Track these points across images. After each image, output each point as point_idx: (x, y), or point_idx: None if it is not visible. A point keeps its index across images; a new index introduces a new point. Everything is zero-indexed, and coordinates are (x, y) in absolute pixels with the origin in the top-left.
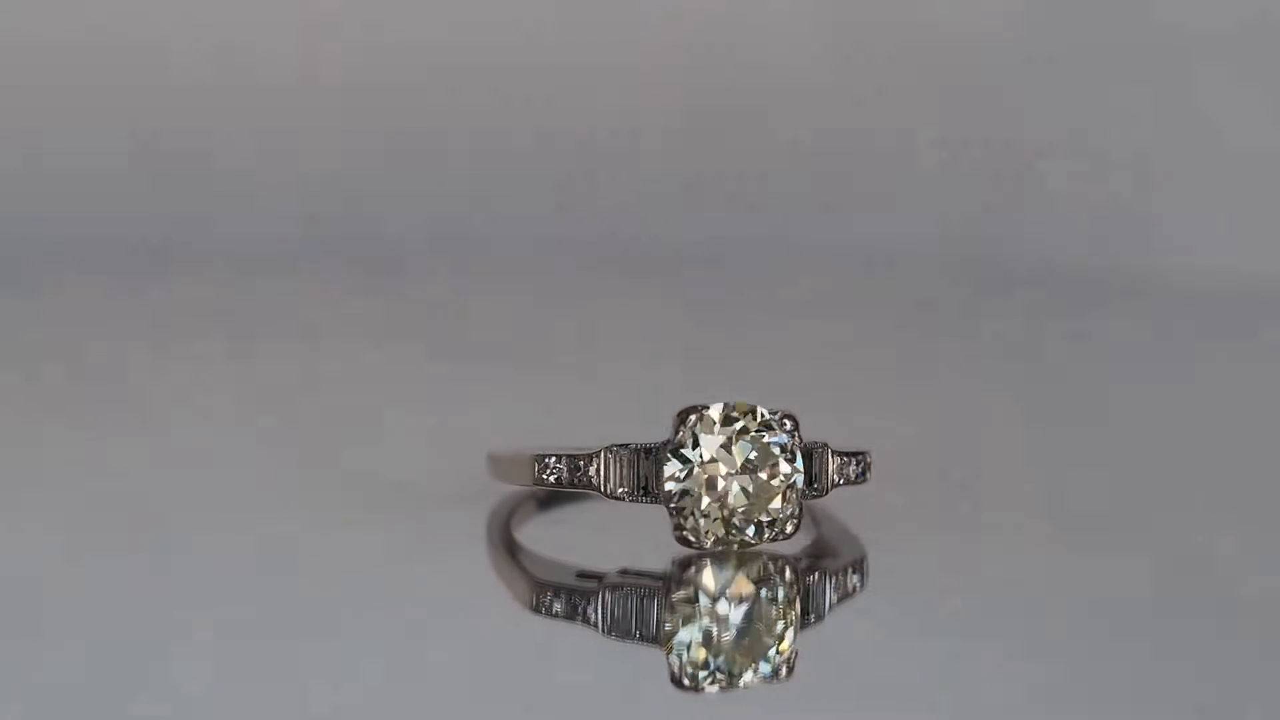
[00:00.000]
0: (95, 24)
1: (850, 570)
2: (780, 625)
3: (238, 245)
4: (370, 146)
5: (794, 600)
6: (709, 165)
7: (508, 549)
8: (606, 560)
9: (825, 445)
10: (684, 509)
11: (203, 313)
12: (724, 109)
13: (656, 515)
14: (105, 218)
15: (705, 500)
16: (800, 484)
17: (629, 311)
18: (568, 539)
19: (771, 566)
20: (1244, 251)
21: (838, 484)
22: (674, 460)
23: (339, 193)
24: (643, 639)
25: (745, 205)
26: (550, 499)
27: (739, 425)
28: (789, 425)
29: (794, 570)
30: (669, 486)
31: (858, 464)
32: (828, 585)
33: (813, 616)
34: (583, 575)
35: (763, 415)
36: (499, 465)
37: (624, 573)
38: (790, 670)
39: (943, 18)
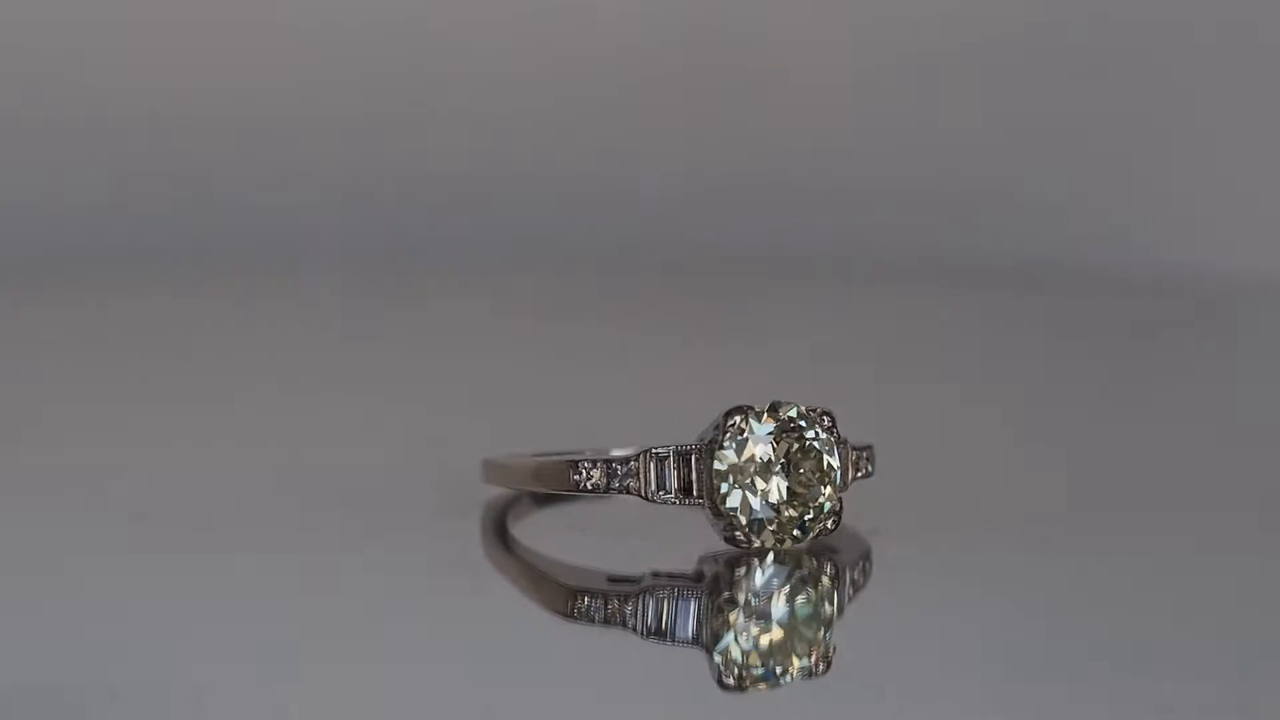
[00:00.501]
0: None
1: (862, 564)
2: (819, 621)
3: (230, 248)
4: (360, 141)
5: (830, 595)
6: (707, 165)
7: (513, 551)
8: (622, 560)
9: (845, 440)
10: (734, 509)
11: (193, 318)
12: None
13: (663, 514)
14: (97, 219)
15: (754, 499)
16: (839, 479)
17: (619, 313)
18: (572, 542)
19: (814, 563)
20: (1246, 251)
21: (855, 478)
22: (722, 460)
23: (335, 192)
24: (684, 641)
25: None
26: (547, 499)
27: (783, 423)
28: (827, 421)
29: (835, 565)
30: (720, 486)
31: (866, 458)
32: (845, 579)
33: (839, 611)
34: (615, 580)
35: (803, 412)
36: (512, 472)
37: (655, 575)
38: (828, 665)
39: (947, 16)
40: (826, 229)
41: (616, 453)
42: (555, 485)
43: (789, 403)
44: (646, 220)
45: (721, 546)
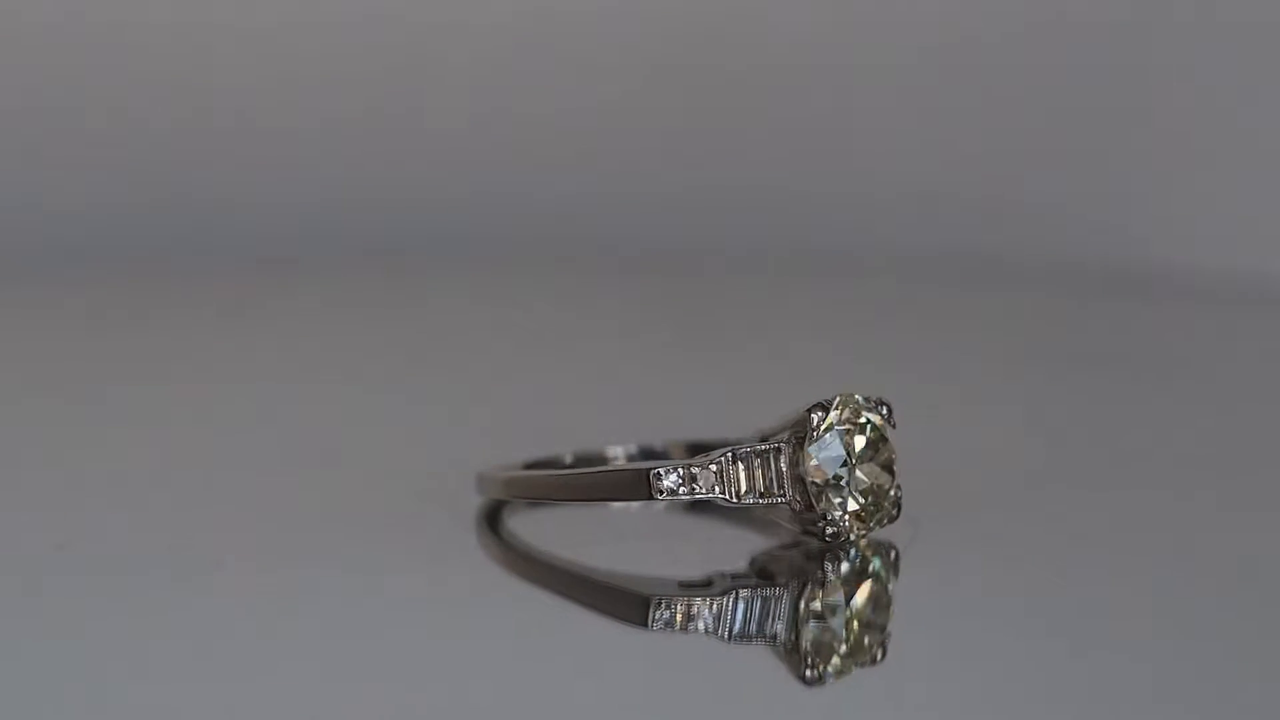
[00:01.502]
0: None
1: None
2: (885, 609)
3: (234, 247)
4: (360, 141)
5: (890, 584)
6: (707, 165)
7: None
8: (659, 563)
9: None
10: (829, 503)
11: (195, 317)
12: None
13: (666, 517)
14: (99, 218)
15: (844, 491)
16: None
17: (618, 312)
18: (595, 551)
19: (883, 553)
20: (1245, 251)
21: None
22: (811, 457)
23: (335, 192)
24: (769, 640)
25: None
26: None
27: (858, 416)
28: (885, 411)
29: (897, 554)
30: (814, 479)
31: None
32: (899, 568)
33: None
34: (686, 585)
35: (867, 404)
36: (552, 484)
37: (723, 576)
38: (885, 652)
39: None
40: (827, 228)
41: (612, 451)
42: (629, 495)
43: (852, 394)
44: (645, 220)
45: (771, 543)
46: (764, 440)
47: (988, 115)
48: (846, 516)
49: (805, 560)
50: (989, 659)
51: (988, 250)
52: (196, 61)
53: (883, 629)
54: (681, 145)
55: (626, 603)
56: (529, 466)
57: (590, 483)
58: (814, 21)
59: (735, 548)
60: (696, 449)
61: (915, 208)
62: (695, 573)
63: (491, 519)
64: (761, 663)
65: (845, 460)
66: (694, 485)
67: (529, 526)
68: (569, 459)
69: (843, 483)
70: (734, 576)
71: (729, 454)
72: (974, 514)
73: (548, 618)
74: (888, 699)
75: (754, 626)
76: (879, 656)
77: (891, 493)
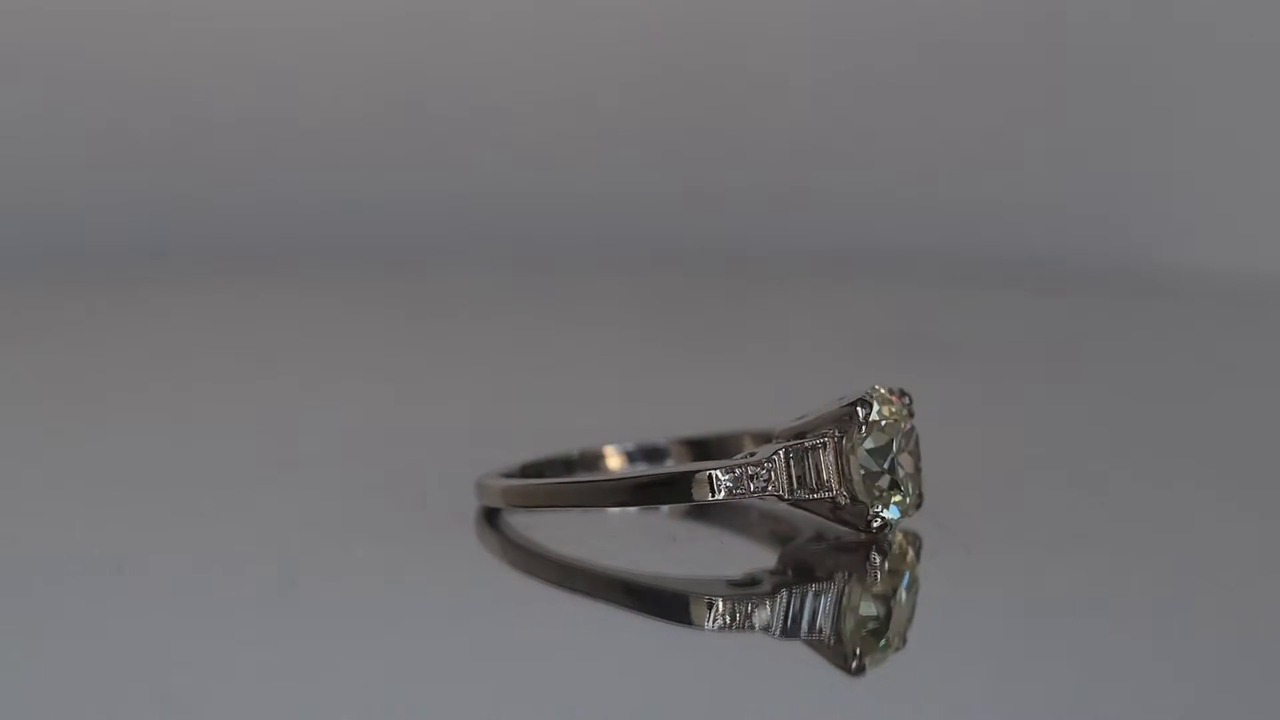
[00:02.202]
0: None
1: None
2: (915, 598)
3: (234, 247)
4: (360, 141)
5: (920, 573)
6: (707, 165)
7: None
8: (661, 564)
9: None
10: (875, 495)
11: (207, 316)
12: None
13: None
14: (104, 219)
15: (887, 482)
16: None
17: (616, 312)
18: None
19: (917, 543)
20: (1245, 251)
21: None
22: (864, 449)
23: (334, 192)
24: (819, 636)
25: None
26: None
27: (892, 408)
28: (908, 401)
29: (921, 544)
30: (863, 471)
31: None
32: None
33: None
34: (735, 584)
35: (892, 394)
36: (588, 491)
37: (768, 575)
38: (904, 641)
39: (948, 15)
40: (827, 228)
41: (611, 451)
42: (679, 497)
43: (879, 387)
44: (645, 220)
45: (799, 539)
46: (802, 436)
47: (988, 115)
48: (903, 503)
49: (838, 553)
50: (989, 656)
51: (987, 250)
52: (196, 61)
53: (910, 617)
54: (681, 145)
55: (674, 603)
56: (526, 469)
57: (634, 486)
58: (814, 21)
59: (746, 548)
60: (696, 446)
61: (915, 208)
62: (728, 571)
63: (493, 521)
64: (799, 655)
65: (890, 452)
66: (751, 483)
67: (527, 528)
68: (576, 454)
69: (888, 474)
70: (772, 573)
71: (781, 451)
72: (974, 513)
73: (595, 621)
74: (909, 686)
75: (808, 622)
76: (902, 644)
77: (922, 479)
